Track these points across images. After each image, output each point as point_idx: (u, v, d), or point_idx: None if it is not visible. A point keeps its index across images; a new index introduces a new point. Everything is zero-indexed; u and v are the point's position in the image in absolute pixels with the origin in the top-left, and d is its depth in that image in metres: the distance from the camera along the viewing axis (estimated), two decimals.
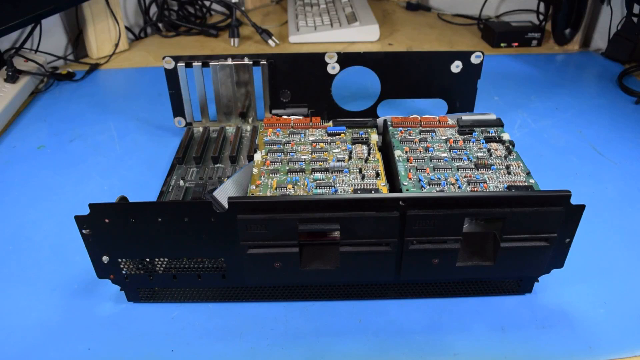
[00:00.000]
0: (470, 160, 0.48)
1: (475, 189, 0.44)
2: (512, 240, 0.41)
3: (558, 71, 0.92)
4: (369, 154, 0.50)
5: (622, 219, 0.56)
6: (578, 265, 0.49)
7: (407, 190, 0.44)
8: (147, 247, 0.41)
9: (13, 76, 0.78)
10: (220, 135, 0.66)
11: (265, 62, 0.64)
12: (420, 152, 0.50)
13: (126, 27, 1.04)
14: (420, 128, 0.54)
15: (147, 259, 0.43)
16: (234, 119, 0.68)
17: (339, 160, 0.49)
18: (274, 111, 0.68)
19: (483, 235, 0.44)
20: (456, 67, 0.65)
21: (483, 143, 0.51)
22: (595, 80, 0.89)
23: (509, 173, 0.46)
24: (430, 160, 0.48)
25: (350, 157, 0.50)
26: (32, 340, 0.43)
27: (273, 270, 0.42)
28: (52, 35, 0.93)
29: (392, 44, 1.04)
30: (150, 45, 1.04)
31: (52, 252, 0.52)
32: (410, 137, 0.52)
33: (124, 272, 0.43)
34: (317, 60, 0.64)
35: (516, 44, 1.02)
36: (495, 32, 1.01)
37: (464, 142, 0.51)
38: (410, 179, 0.46)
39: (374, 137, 0.53)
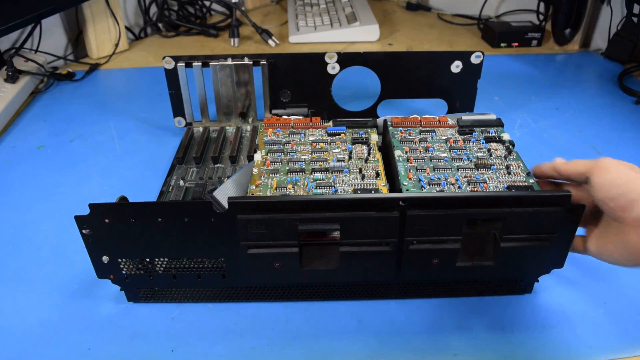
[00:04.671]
0: (470, 160, 0.48)
1: (475, 189, 0.44)
2: (512, 241, 0.41)
3: (558, 71, 0.92)
4: (369, 154, 0.50)
5: None
6: (578, 265, 0.49)
7: (407, 190, 0.44)
8: (147, 247, 0.41)
9: (13, 76, 0.78)
10: (220, 135, 0.66)
11: (265, 62, 0.64)
12: (420, 152, 0.50)
13: (126, 27, 1.04)
14: (420, 128, 0.54)
15: (147, 259, 0.43)
16: (234, 119, 0.68)
17: (339, 160, 0.49)
18: (274, 111, 0.68)
19: (483, 235, 0.44)
20: (456, 67, 0.65)
21: (483, 143, 0.51)
22: (595, 80, 0.89)
23: (509, 173, 0.46)
24: (430, 160, 0.48)
25: (350, 157, 0.50)
26: (32, 340, 0.43)
27: (273, 270, 0.42)
28: (52, 35, 0.93)
29: (392, 44, 1.04)
30: (150, 45, 1.04)
31: (52, 252, 0.52)
32: (410, 137, 0.52)
33: (124, 272, 0.43)
34: (317, 60, 0.64)
35: (516, 44, 1.02)
36: (495, 32, 1.01)
37: (464, 142, 0.51)
38: (410, 179, 0.46)
39: (374, 137, 0.53)
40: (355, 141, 0.52)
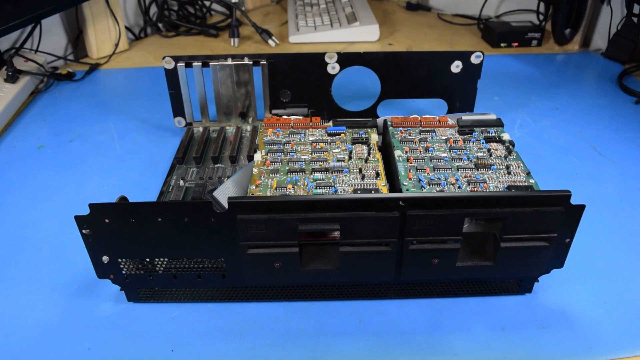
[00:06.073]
0: (470, 160, 0.48)
1: (475, 189, 0.44)
2: (512, 240, 0.41)
3: (558, 71, 0.92)
4: (369, 154, 0.50)
5: (622, 219, 0.56)
6: (578, 265, 0.49)
7: (407, 190, 0.44)
8: (147, 247, 0.41)
9: (13, 76, 0.78)
10: (220, 135, 0.66)
11: (265, 62, 0.64)
12: (420, 152, 0.50)
13: (126, 27, 1.04)
14: (420, 128, 0.54)
15: (147, 259, 0.43)
16: (234, 119, 0.68)
17: (339, 160, 0.49)
18: (274, 111, 0.68)
19: (483, 235, 0.44)
20: (456, 67, 0.65)
21: (483, 143, 0.51)
22: (595, 80, 0.89)
23: (509, 173, 0.46)
24: (430, 160, 0.48)
25: (350, 157, 0.50)
26: (32, 340, 0.43)
27: (273, 270, 0.42)
28: (52, 35, 0.93)
29: (392, 44, 1.04)
30: (150, 45, 1.04)
31: (52, 252, 0.52)
32: (410, 137, 0.52)
33: (124, 272, 0.43)
34: (317, 60, 0.64)
35: (516, 44, 1.02)
36: (495, 32, 1.01)
37: (464, 142, 0.51)
38: (410, 179, 0.46)
39: (374, 137, 0.53)
40: (355, 141, 0.52)
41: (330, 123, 0.55)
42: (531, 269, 0.43)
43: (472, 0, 1.14)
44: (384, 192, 0.45)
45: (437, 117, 0.55)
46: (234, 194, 0.49)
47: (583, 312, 0.45)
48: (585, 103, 0.80)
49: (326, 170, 0.47)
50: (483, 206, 0.39)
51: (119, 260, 0.42)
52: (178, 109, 0.67)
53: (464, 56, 0.64)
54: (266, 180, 0.46)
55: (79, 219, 0.39)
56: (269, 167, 0.48)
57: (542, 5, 1.07)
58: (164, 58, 0.63)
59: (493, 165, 0.47)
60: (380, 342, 0.43)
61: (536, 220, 0.40)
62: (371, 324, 0.44)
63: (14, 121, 0.76)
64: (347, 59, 0.64)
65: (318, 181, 0.46)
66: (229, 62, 0.64)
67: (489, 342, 0.43)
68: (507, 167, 0.47)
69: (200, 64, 0.64)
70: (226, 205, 0.39)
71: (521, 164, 0.47)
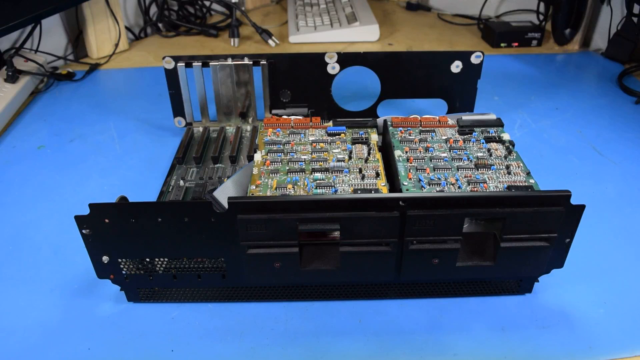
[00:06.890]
0: (470, 160, 0.48)
1: (475, 189, 0.44)
2: (512, 240, 0.41)
3: (558, 71, 0.92)
4: (369, 154, 0.50)
5: (622, 219, 0.56)
6: (578, 265, 0.49)
7: (407, 190, 0.44)
8: (147, 247, 0.41)
9: (13, 76, 0.78)
10: (220, 135, 0.66)
11: (265, 62, 0.64)
12: (420, 152, 0.50)
13: (126, 27, 1.04)
14: (420, 128, 0.54)
15: (147, 259, 0.43)
16: (234, 119, 0.68)
17: (339, 160, 0.49)
18: (274, 111, 0.68)
19: (483, 235, 0.44)
20: (456, 67, 0.65)
21: (483, 143, 0.51)
22: (595, 80, 0.89)
23: (509, 173, 0.46)
24: (430, 160, 0.48)
25: (350, 157, 0.50)
26: (32, 340, 0.43)
27: (273, 270, 0.42)
28: (52, 35, 0.93)
29: (392, 44, 1.04)
30: (150, 45, 1.04)
31: (52, 252, 0.52)
32: (410, 137, 0.52)
33: (124, 272, 0.43)
34: (317, 60, 0.64)
35: (516, 44, 1.02)
36: (495, 32, 1.01)
37: (464, 142, 0.51)
38: (410, 179, 0.46)
39: (374, 137, 0.53)
40: (355, 141, 0.52)
41: (330, 123, 0.55)
42: (531, 269, 0.43)
43: (472, 0, 1.14)
44: (384, 192, 0.45)
45: (437, 117, 0.55)
46: (234, 194, 0.49)
47: (583, 312, 0.45)
48: (585, 103, 0.80)
49: (326, 170, 0.47)
50: (483, 206, 0.39)
51: (119, 260, 0.42)
52: (178, 109, 0.67)
53: (464, 56, 0.64)
54: (266, 180, 0.46)
55: (79, 219, 0.39)
56: (269, 167, 0.48)
57: (542, 5, 1.07)
58: (164, 58, 0.63)
59: (493, 165, 0.47)
60: (380, 342, 0.43)
61: (536, 220, 0.40)
62: (371, 324, 0.44)
63: (14, 121, 0.76)
64: (347, 59, 0.64)
65: (318, 181, 0.46)
66: (229, 62, 0.64)
67: (489, 342, 0.43)
68: (507, 167, 0.47)
69: (200, 64, 0.64)
70: (226, 205, 0.39)
71: (521, 164, 0.47)
